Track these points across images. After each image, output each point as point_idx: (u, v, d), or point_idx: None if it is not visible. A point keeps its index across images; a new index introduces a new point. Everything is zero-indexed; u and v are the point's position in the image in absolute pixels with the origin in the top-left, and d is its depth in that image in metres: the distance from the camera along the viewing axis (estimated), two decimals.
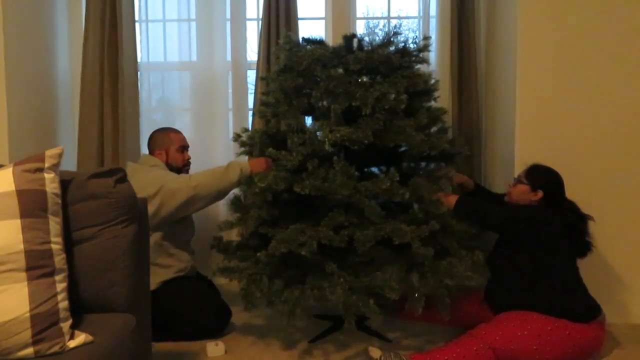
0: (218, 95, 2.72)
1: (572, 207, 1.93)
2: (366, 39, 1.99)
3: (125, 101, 2.54)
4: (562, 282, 1.83)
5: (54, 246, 1.15)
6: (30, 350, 1.07)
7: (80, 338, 1.12)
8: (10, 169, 1.18)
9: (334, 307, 2.05)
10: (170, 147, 2.26)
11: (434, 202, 1.84)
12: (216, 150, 2.73)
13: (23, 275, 1.09)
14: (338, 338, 2.08)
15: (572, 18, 2.18)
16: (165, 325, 2.00)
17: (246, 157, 2.23)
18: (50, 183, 1.20)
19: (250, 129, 2.59)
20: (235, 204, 2.14)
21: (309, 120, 2.07)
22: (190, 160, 2.34)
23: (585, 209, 1.95)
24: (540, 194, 1.92)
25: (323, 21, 2.76)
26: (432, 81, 2.06)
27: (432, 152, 1.90)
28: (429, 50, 2.06)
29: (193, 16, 2.71)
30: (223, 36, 2.70)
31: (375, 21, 2.88)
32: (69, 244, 1.26)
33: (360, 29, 2.77)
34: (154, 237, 2.05)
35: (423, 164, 2.12)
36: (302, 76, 1.97)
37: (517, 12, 2.20)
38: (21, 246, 1.10)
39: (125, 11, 2.53)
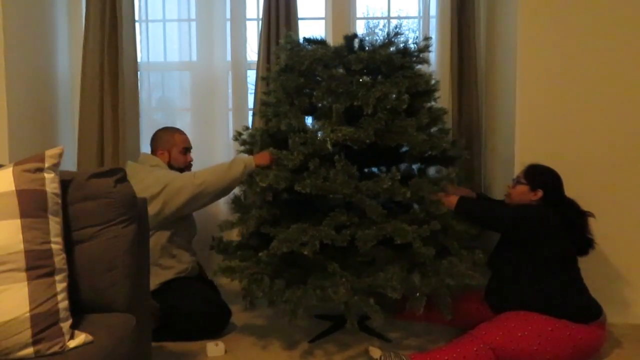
0: (218, 95, 2.72)
1: (572, 205, 1.93)
2: (367, 39, 2.00)
3: (125, 101, 2.54)
4: (562, 282, 1.83)
5: (54, 246, 1.15)
6: (30, 350, 1.07)
7: (80, 338, 1.12)
8: (10, 169, 1.18)
9: (334, 307, 2.05)
10: (173, 147, 2.25)
11: (435, 202, 1.84)
12: (216, 150, 2.73)
13: (23, 275, 1.09)
14: (338, 338, 2.08)
15: (572, 18, 2.18)
16: (165, 325, 2.00)
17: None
18: (50, 183, 1.20)
19: (250, 128, 2.59)
20: (236, 203, 2.15)
21: (309, 120, 2.07)
22: (192, 162, 2.33)
23: (585, 208, 1.95)
24: (540, 193, 1.92)
25: (323, 21, 2.75)
26: (433, 81, 2.06)
27: (433, 152, 1.90)
28: (429, 51, 2.06)
29: (193, 16, 2.71)
30: (223, 36, 2.70)
31: (375, 21, 2.88)
32: (69, 244, 1.25)
33: (360, 29, 2.77)
34: (158, 238, 2.05)
35: (423, 166, 2.13)
36: (303, 76, 1.98)
37: (517, 12, 2.20)
38: (21, 246, 1.10)
39: (125, 11, 2.53)
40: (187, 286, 2.10)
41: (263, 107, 2.17)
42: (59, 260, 1.16)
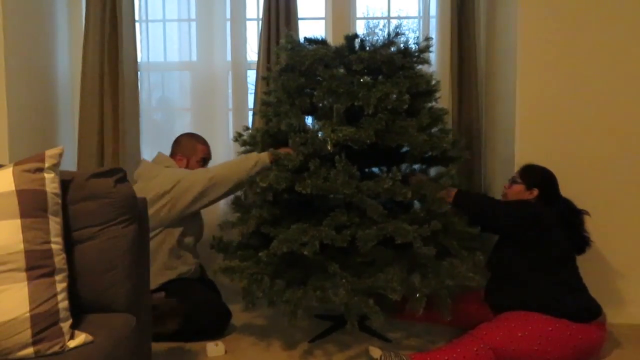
0: (218, 95, 2.72)
1: (567, 203, 1.97)
2: (368, 39, 2.00)
3: (125, 101, 2.54)
4: (561, 282, 1.83)
5: (54, 246, 1.15)
6: (30, 350, 1.06)
7: (80, 338, 1.12)
8: (10, 169, 1.18)
9: (334, 307, 2.05)
10: (193, 156, 2.27)
11: (438, 199, 1.84)
12: (216, 150, 2.72)
13: (23, 275, 1.09)
14: (338, 338, 2.08)
15: (572, 18, 2.18)
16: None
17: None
18: (50, 183, 1.19)
19: (250, 128, 2.59)
20: (236, 203, 2.15)
21: (309, 120, 2.07)
22: None
23: (585, 208, 1.96)
24: (535, 192, 1.96)
25: (323, 21, 2.75)
26: (434, 82, 2.06)
27: (433, 152, 1.90)
28: (430, 51, 2.06)
29: (193, 16, 2.71)
30: (223, 36, 2.70)
31: (375, 21, 2.88)
32: (69, 244, 1.25)
33: (360, 29, 2.77)
34: (167, 237, 2.06)
35: (424, 166, 2.13)
36: (304, 76, 1.97)
37: (517, 12, 2.20)
38: (21, 246, 1.10)
39: (125, 11, 2.53)
40: (188, 287, 2.09)
41: (263, 107, 2.17)
42: (59, 260, 1.16)
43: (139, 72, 2.63)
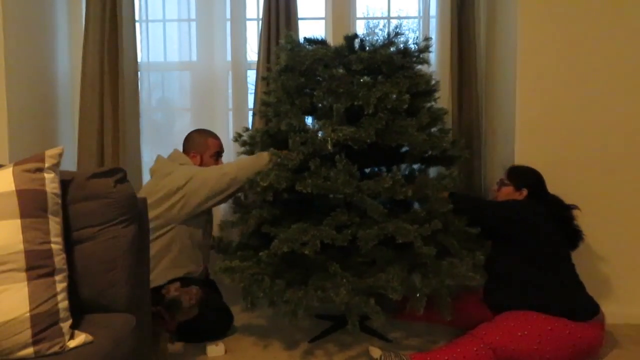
0: (218, 95, 2.72)
1: (556, 200, 2.01)
2: (368, 39, 2.00)
3: (125, 101, 2.54)
4: (558, 280, 1.84)
5: (54, 246, 1.15)
6: (30, 350, 1.06)
7: (80, 338, 1.12)
8: (10, 169, 1.18)
9: (335, 307, 2.05)
10: (205, 152, 2.27)
11: (439, 199, 1.85)
12: None
13: (23, 275, 1.09)
14: (339, 338, 2.08)
15: (572, 18, 2.18)
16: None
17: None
18: (50, 183, 1.20)
19: (250, 128, 2.59)
20: (236, 203, 2.15)
21: (309, 120, 2.07)
22: None
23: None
24: (524, 192, 2.01)
25: (323, 21, 2.75)
26: (433, 82, 2.06)
27: (433, 152, 1.90)
28: (429, 51, 2.06)
29: (193, 16, 2.71)
30: (223, 36, 2.70)
31: (375, 21, 2.88)
32: (69, 244, 1.25)
33: (360, 29, 2.77)
34: (180, 234, 2.05)
35: (423, 166, 2.13)
36: (304, 76, 1.98)
37: (517, 12, 2.20)
38: (21, 246, 1.10)
39: (125, 11, 2.53)
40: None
41: (263, 107, 2.18)
42: (59, 260, 1.16)
43: (139, 72, 2.63)
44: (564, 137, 2.22)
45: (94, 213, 1.28)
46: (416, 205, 2.02)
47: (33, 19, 2.44)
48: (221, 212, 2.66)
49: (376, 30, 2.01)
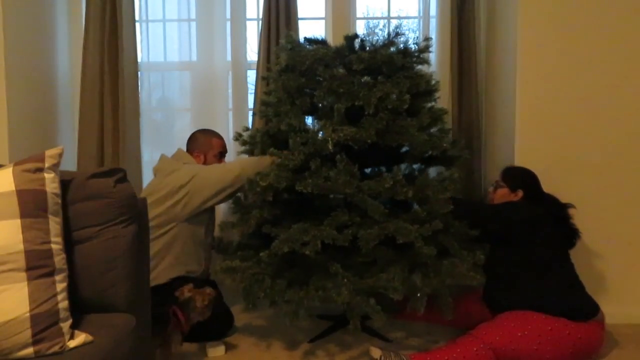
0: (218, 95, 2.72)
1: (551, 199, 2.02)
2: (368, 39, 2.00)
3: (125, 101, 2.54)
4: (558, 280, 1.84)
5: (54, 246, 1.15)
6: (30, 350, 1.06)
7: (80, 338, 1.12)
8: (10, 169, 1.18)
9: (335, 307, 2.05)
10: (209, 151, 2.28)
11: (441, 200, 1.85)
12: None
13: (23, 275, 1.09)
14: (339, 338, 2.08)
15: (572, 18, 2.18)
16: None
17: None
18: (50, 183, 1.19)
19: (250, 128, 2.59)
20: (236, 204, 2.14)
21: (309, 120, 2.07)
22: None
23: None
24: (520, 193, 2.02)
25: (323, 21, 2.75)
26: (433, 82, 2.06)
27: (433, 152, 1.90)
28: (429, 51, 2.06)
29: (193, 16, 2.71)
30: (223, 36, 2.70)
31: (375, 21, 2.88)
32: (69, 244, 1.25)
33: (360, 29, 2.77)
34: (183, 232, 2.05)
35: (423, 166, 2.13)
36: (304, 76, 1.97)
37: (517, 12, 2.20)
38: (21, 246, 1.10)
39: (125, 11, 2.53)
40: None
41: (263, 107, 2.17)
42: (59, 260, 1.16)
43: (139, 72, 2.63)
44: (564, 137, 2.22)
45: (94, 213, 1.28)
46: (416, 206, 2.02)
47: (33, 19, 2.44)
48: (221, 212, 2.66)
49: (376, 30, 2.02)
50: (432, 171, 2.23)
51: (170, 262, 2.03)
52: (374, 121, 1.81)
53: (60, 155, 1.25)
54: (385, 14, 2.81)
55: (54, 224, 1.17)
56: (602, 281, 2.24)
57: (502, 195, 2.05)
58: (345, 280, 1.74)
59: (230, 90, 2.71)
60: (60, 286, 1.14)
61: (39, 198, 1.16)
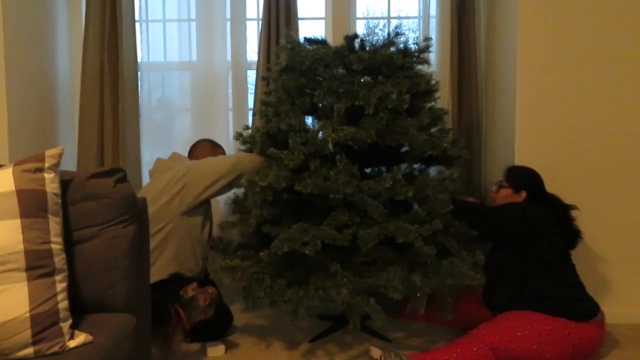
0: (218, 95, 2.72)
1: (555, 199, 2.00)
2: (368, 39, 2.00)
3: (125, 101, 2.54)
4: (558, 280, 1.84)
5: (54, 246, 1.15)
6: (30, 350, 1.06)
7: (80, 338, 1.12)
8: (10, 169, 1.18)
9: (335, 307, 2.05)
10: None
11: (440, 200, 1.85)
12: None
13: (23, 275, 1.09)
14: (339, 338, 2.08)
15: (572, 18, 2.18)
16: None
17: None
18: (50, 183, 1.19)
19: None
20: (236, 203, 2.15)
21: (309, 120, 2.07)
22: None
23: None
24: (524, 194, 2.00)
25: (323, 21, 2.75)
26: (433, 82, 2.06)
27: (433, 152, 1.90)
28: (429, 51, 2.06)
29: (193, 16, 2.71)
30: (223, 36, 2.70)
31: (375, 21, 2.88)
32: (69, 244, 1.25)
33: (360, 29, 2.77)
34: (178, 227, 2.04)
35: (423, 166, 2.13)
36: (304, 76, 1.98)
37: (517, 12, 2.20)
38: (21, 246, 1.10)
39: (125, 11, 2.53)
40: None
41: (263, 107, 2.17)
42: (59, 260, 1.16)
43: (139, 72, 2.63)
44: (564, 137, 2.22)
45: (94, 213, 1.28)
46: (416, 206, 2.02)
47: (33, 19, 2.44)
48: (221, 212, 2.66)
49: (376, 30, 2.01)
50: (432, 171, 2.23)
51: (167, 258, 2.03)
52: (374, 121, 1.81)
53: (60, 155, 1.25)
54: (385, 14, 2.81)
55: (54, 224, 1.17)
56: (602, 281, 2.24)
57: (505, 196, 2.03)
58: (345, 280, 1.74)
59: (230, 90, 2.71)
60: (60, 286, 1.14)
61: (39, 198, 1.16)
